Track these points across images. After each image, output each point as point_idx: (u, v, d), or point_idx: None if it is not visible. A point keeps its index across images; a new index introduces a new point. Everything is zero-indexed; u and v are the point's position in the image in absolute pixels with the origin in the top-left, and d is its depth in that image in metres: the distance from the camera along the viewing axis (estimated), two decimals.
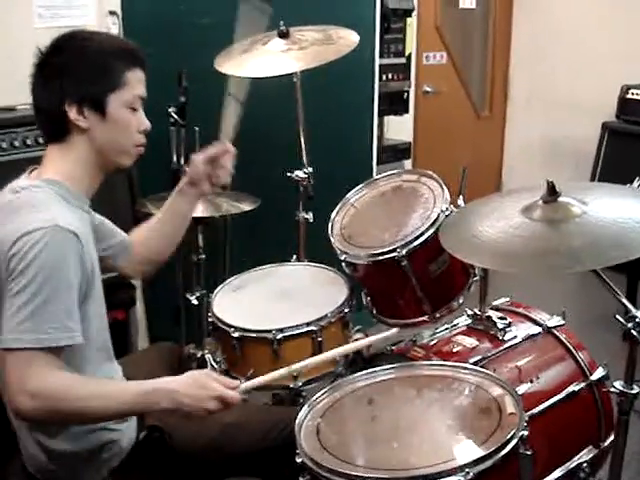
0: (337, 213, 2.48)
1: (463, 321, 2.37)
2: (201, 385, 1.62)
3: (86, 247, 1.60)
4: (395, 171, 2.59)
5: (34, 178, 1.67)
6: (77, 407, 1.52)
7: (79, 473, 1.69)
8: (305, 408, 1.79)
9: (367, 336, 2.40)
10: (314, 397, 1.85)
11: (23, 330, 1.47)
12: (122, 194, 2.76)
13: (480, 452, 1.53)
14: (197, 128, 2.76)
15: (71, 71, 1.63)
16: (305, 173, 2.83)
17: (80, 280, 1.57)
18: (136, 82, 1.70)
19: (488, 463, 1.50)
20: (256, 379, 1.78)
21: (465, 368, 1.90)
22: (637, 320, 1.68)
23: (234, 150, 2.08)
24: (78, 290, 1.56)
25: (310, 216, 2.88)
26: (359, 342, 2.12)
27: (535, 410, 1.98)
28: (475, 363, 2.02)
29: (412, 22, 4.46)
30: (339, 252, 2.31)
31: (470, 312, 2.35)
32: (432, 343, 2.28)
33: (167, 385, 1.61)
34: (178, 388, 1.60)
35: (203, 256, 2.83)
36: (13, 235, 1.52)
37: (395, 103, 4.46)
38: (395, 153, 4.50)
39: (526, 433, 1.58)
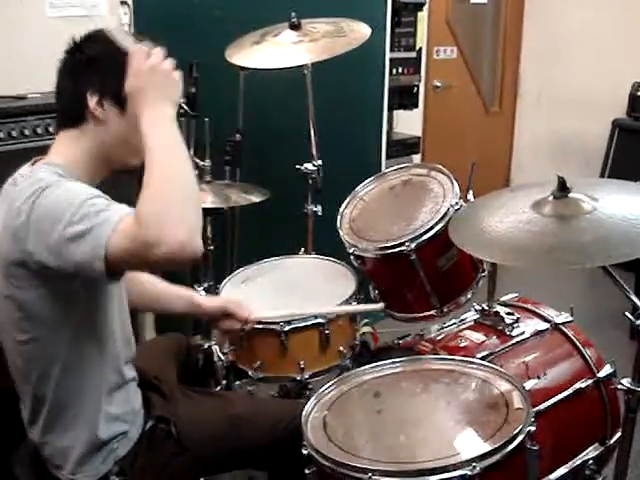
0: (346, 206, 2.48)
1: (471, 316, 2.37)
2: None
3: None
4: (405, 165, 2.59)
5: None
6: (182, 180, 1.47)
7: (86, 464, 1.70)
8: (312, 401, 1.80)
9: (374, 330, 2.42)
10: (321, 390, 1.85)
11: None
12: (129, 186, 2.75)
13: (487, 447, 1.53)
14: (207, 119, 2.75)
15: (101, 63, 1.64)
16: (314, 166, 2.83)
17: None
18: None
19: (495, 458, 1.50)
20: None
21: (472, 363, 1.90)
22: None
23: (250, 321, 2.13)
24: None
25: (319, 209, 2.88)
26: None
27: (541, 406, 1.97)
28: (482, 358, 2.02)
29: (423, 16, 4.45)
30: (348, 245, 2.31)
31: (478, 307, 2.35)
32: (439, 337, 2.28)
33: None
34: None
35: (211, 247, 2.82)
36: (19, 201, 1.50)
37: (405, 97, 4.45)
38: (404, 147, 4.49)
39: (533, 428, 1.58)
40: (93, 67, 1.64)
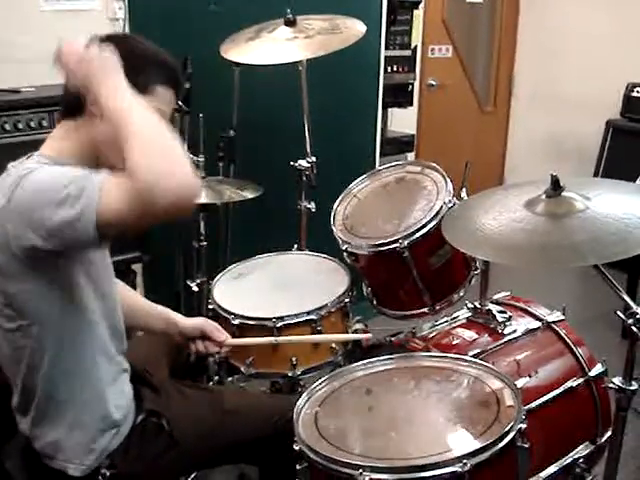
0: (339, 203, 2.48)
1: (463, 314, 2.37)
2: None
3: None
4: (399, 162, 2.59)
5: None
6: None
7: (77, 456, 1.70)
8: (304, 396, 1.80)
9: (367, 327, 2.42)
10: (313, 386, 1.85)
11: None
12: None
13: (477, 444, 1.53)
14: (201, 115, 2.75)
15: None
16: (308, 162, 2.83)
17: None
18: (163, 98, 1.68)
19: (485, 455, 1.50)
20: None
21: (464, 360, 1.91)
22: (637, 316, 1.67)
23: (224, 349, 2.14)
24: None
25: (312, 205, 2.88)
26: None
27: (533, 404, 1.98)
28: (474, 356, 2.02)
29: (419, 14, 4.44)
30: (341, 242, 2.31)
31: (470, 305, 2.35)
32: (432, 335, 2.28)
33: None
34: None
35: (204, 243, 2.83)
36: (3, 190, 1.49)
37: (399, 95, 4.45)
38: (398, 145, 4.48)
39: (524, 426, 1.59)
40: None
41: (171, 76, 1.71)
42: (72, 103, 1.65)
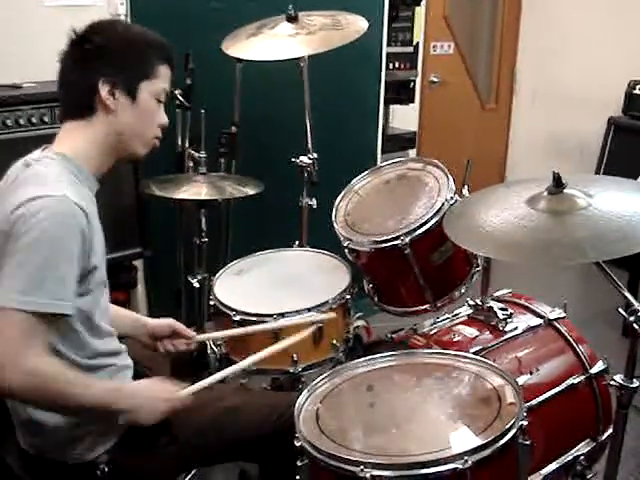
0: (341, 200, 2.47)
1: (464, 311, 2.37)
2: (154, 391, 1.69)
3: (92, 223, 1.60)
4: (400, 159, 2.59)
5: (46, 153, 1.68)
6: (64, 391, 1.53)
7: (75, 448, 1.70)
8: (305, 393, 1.79)
9: (368, 323, 2.42)
10: (314, 382, 1.85)
11: (20, 291, 1.48)
12: (126, 176, 2.76)
13: (478, 441, 1.53)
14: (203, 111, 2.75)
15: (111, 52, 1.66)
16: (310, 159, 2.83)
17: (79, 254, 1.56)
18: (166, 76, 1.75)
19: (486, 452, 1.50)
20: (198, 383, 1.80)
21: (465, 357, 1.90)
22: (639, 314, 1.67)
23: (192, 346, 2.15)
24: (78, 264, 1.56)
25: (314, 202, 2.88)
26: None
27: (534, 402, 1.98)
28: (475, 353, 2.02)
29: (420, 11, 4.43)
30: (342, 239, 2.31)
31: (471, 302, 2.35)
32: (433, 332, 2.28)
33: (128, 388, 1.71)
34: (135, 391, 1.68)
35: (205, 239, 2.82)
36: (20, 199, 1.53)
37: (401, 92, 4.44)
38: (400, 142, 4.49)
39: (525, 423, 1.58)
40: (105, 57, 1.66)
41: (167, 53, 1.77)
42: (81, 104, 1.67)
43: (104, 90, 1.65)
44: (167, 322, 2.09)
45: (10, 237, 1.52)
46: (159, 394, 1.68)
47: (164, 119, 1.78)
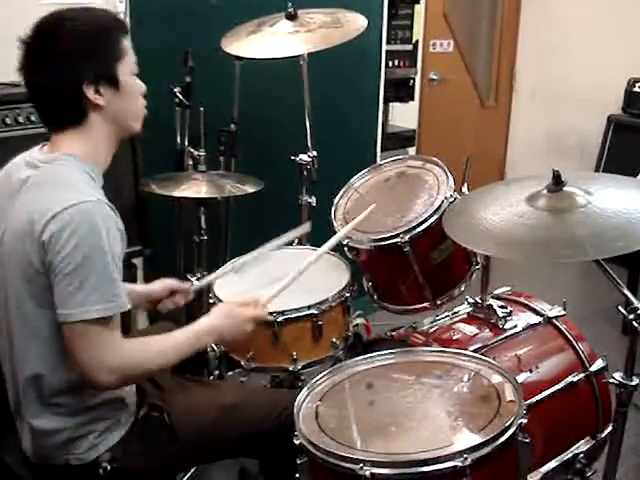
0: (340, 197, 2.47)
1: (464, 309, 2.37)
2: (234, 315, 1.83)
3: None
4: (400, 157, 2.58)
5: (48, 153, 1.67)
6: (152, 367, 1.68)
7: (77, 447, 1.70)
8: (304, 391, 1.79)
9: (368, 321, 2.42)
10: (314, 380, 1.85)
11: (93, 301, 1.53)
12: (126, 173, 2.75)
13: (478, 439, 1.53)
14: (202, 109, 2.75)
15: (83, 52, 1.62)
16: (309, 157, 2.82)
17: (120, 253, 1.61)
18: (130, 48, 1.72)
19: (486, 450, 1.50)
20: (277, 285, 2.02)
21: (465, 355, 1.90)
22: (638, 312, 1.67)
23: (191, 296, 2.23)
24: (120, 260, 1.61)
25: (313, 200, 2.88)
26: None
27: (533, 399, 1.98)
28: (475, 351, 2.02)
29: (420, 9, 4.43)
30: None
31: (471, 300, 2.35)
32: (432, 330, 2.28)
33: (206, 325, 1.79)
34: (216, 323, 1.80)
35: (205, 237, 2.82)
36: (51, 205, 1.52)
37: (401, 90, 4.44)
38: (399, 140, 4.49)
39: (525, 421, 1.58)
40: (80, 57, 1.62)
41: (121, 23, 1.74)
42: (71, 115, 1.66)
43: (90, 92, 1.63)
44: (161, 284, 2.14)
45: (49, 244, 1.52)
46: (239, 315, 1.83)
47: (143, 87, 1.76)
